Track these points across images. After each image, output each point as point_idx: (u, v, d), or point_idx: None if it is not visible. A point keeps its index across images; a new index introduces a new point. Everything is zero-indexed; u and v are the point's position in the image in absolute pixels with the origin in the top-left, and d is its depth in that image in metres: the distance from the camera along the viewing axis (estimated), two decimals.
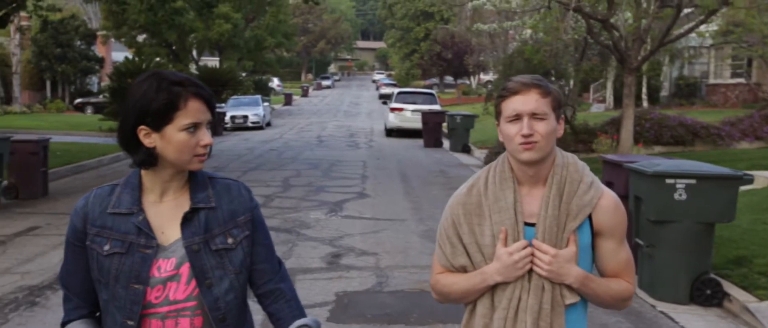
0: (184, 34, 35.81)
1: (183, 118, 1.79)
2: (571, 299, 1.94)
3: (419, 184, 13.12)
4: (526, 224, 1.96)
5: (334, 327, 5.16)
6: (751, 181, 6.02)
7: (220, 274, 1.84)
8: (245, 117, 29.06)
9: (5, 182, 10.77)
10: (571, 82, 18.64)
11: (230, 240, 1.87)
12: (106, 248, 1.82)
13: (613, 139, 14.16)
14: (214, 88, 34.21)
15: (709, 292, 5.85)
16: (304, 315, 1.97)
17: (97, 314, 1.92)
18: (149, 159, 1.82)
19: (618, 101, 27.57)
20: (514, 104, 1.94)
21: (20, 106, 32.29)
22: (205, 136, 1.84)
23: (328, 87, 74.28)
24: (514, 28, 24.19)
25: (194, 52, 41.52)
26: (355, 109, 44.61)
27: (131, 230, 1.82)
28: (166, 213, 1.87)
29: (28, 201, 10.87)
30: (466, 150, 19.73)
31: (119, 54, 46.33)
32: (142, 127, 1.80)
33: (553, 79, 15.88)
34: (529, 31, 18.26)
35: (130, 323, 1.81)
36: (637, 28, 13.26)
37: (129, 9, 18.54)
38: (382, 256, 7.34)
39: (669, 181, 5.78)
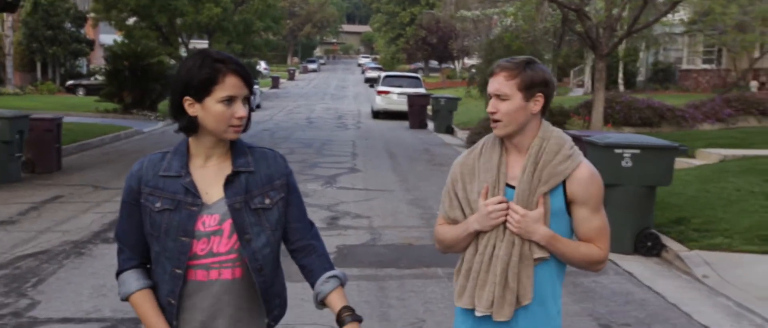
0: (174, 18, 36.43)
1: (220, 91, 1.99)
2: (539, 254, 2.20)
3: (406, 161, 14.18)
4: (508, 185, 2.24)
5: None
6: (685, 151, 7.13)
7: (257, 230, 2.07)
8: None
9: (24, 157, 11.67)
10: (549, 67, 19.72)
11: (267, 201, 2.09)
12: (158, 205, 2.06)
13: (585, 121, 15.27)
14: None
15: (649, 244, 6.96)
16: (333, 268, 2.17)
17: (148, 265, 2.15)
18: (191, 126, 2.04)
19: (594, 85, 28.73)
20: (489, 86, 2.27)
21: (13, 88, 32.86)
22: (239, 109, 2.02)
23: (314, 70, 74.93)
24: (496, 14, 25.19)
25: (184, 35, 42.12)
26: (341, 93, 45.50)
27: (179, 190, 2.05)
28: (209, 176, 2.08)
29: (44, 175, 11.78)
30: (450, 131, 20.79)
31: (107, 37, 46.77)
32: (186, 97, 2.02)
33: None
34: (510, 19, 19.29)
35: (179, 271, 2.04)
36: (607, 17, 14.34)
37: None
38: (374, 218, 8.40)
39: (617, 151, 6.87)
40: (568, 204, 2.23)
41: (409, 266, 6.38)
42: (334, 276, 2.12)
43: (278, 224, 2.11)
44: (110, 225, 7.89)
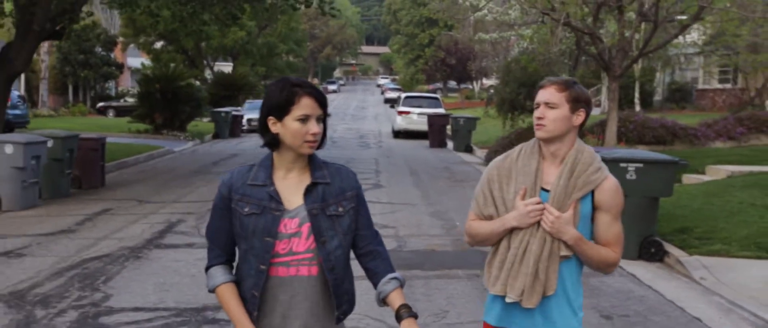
0: (200, 41, 37.66)
1: (297, 111, 2.30)
2: (565, 252, 2.48)
3: (427, 178, 14.89)
4: (543, 189, 2.53)
5: None
6: (686, 166, 7.79)
7: (331, 234, 2.35)
8: None
9: (72, 174, 12.54)
10: None
11: (341, 209, 2.38)
12: (246, 210, 2.34)
13: (599, 139, 15.89)
14: (230, 93, 36.21)
15: (653, 250, 7.60)
16: (394, 271, 2.44)
17: (233, 263, 2.44)
18: (274, 141, 2.35)
19: None
20: (538, 96, 2.57)
21: (47, 110, 34.11)
22: (313, 126, 2.32)
23: (334, 91, 76.02)
24: (514, 36, 25.94)
25: (209, 58, 43.34)
26: (361, 113, 46.39)
27: (265, 197, 2.34)
28: (290, 186, 2.38)
29: (91, 190, 12.64)
30: (469, 150, 21.48)
31: (134, 60, 48.28)
32: (270, 117, 2.34)
33: None
34: (526, 42, 20.03)
35: (263, 267, 2.33)
36: (620, 40, 15.00)
37: (162, 20, 20.15)
38: (399, 228, 9.11)
39: (622, 164, 7.54)
40: (594, 210, 2.51)
41: (432, 268, 7.07)
42: (395, 278, 2.40)
43: (349, 229, 2.39)
44: (160, 233, 8.68)
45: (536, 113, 2.53)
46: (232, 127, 27.24)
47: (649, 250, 7.59)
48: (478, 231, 2.60)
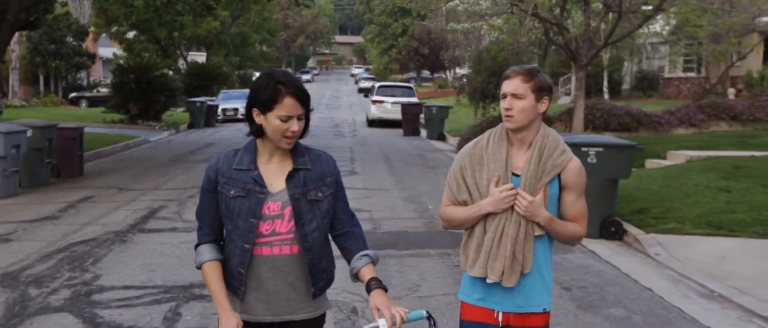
0: (173, 31, 37.57)
1: (279, 110, 2.42)
2: (538, 232, 2.64)
3: (400, 165, 15.29)
4: (513, 174, 2.65)
5: None
6: (642, 150, 8.28)
7: (311, 217, 2.50)
8: (236, 109, 30.96)
9: (51, 163, 12.72)
10: None
11: (320, 194, 2.53)
12: (232, 192, 2.49)
13: (567, 126, 16.41)
14: (204, 83, 36.22)
15: (613, 229, 8.08)
16: (367, 249, 2.60)
17: (220, 242, 2.60)
18: (258, 131, 2.49)
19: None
20: (504, 86, 2.66)
21: (19, 100, 33.86)
22: (294, 125, 2.44)
23: (308, 81, 76.04)
24: (485, 26, 26.41)
25: (182, 48, 43.21)
26: (335, 102, 46.62)
27: (249, 181, 2.49)
28: (273, 171, 2.52)
29: (70, 179, 12.83)
30: (442, 138, 21.93)
31: (106, 50, 47.93)
32: (254, 109, 2.46)
33: None
34: (496, 33, 20.50)
35: (247, 246, 2.48)
36: (586, 30, 15.49)
37: (135, 10, 20.25)
38: (374, 212, 9.50)
39: (584, 149, 8.00)
40: (560, 190, 2.66)
41: (405, 248, 7.48)
42: (366, 255, 2.56)
43: (327, 213, 2.55)
44: (142, 219, 8.97)
45: (504, 104, 2.63)
46: (207, 117, 27.39)
47: (609, 229, 8.07)
48: (454, 216, 2.72)
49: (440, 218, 2.81)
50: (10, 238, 7.93)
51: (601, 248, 7.67)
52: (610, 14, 16.21)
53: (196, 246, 2.57)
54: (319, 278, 2.55)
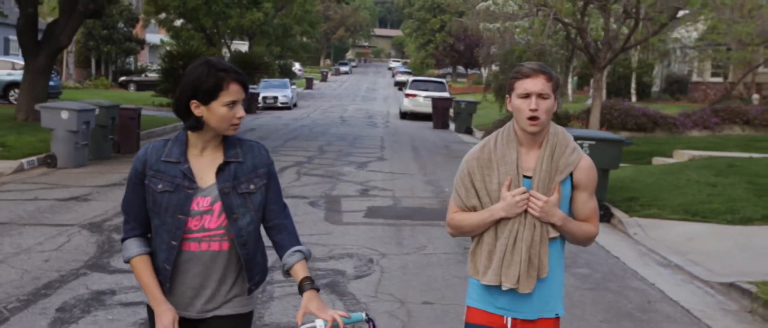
0: (218, 21, 39.26)
1: (225, 97, 2.34)
2: (554, 233, 2.53)
3: (426, 153, 16.58)
4: (524, 176, 2.53)
5: (368, 221, 8.64)
6: (631, 144, 9.43)
7: (243, 211, 2.42)
8: (275, 98, 32.55)
9: (113, 139, 14.30)
10: (559, 78, 21.96)
11: (252, 186, 2.45)
12: (160, 186, 2.39)
13: (583, 124, 17.50)
14: (247, 72, 37.84)
15: (601, 213, 9.27)
16: (300, 244, 2.52)
17: (148, 235, 2.49)
18: (198, 125, 2.37)
19: (610, 94, 30.92)
20: (526, 85, 2.49)
21: (74, 82, 35.93)
22: (240, 110, 2.38)
23: (346, 73, 77.65)
24: (515, 27, 27.50)
25: (226, 37, 44.95)
26: (372, 95, 48.03)
27: (178, 175, 2.39)
28: (204, 164, 2.42)
29: (128, 154, 14.37)
30: (469, 131, 23.13)
31: (153, 36, 50.05)
32: (193, 101, 2.35)
33: None
34: (522, 35, 21.65)
35: (174, 243, 2.39)
36: (605, 34, 16.57)
37: (188, 0, 21.82)
38: (396, 191, 10.83)
39: (579, 141, 9.13)
40: (572, 189, 2.58)
41: (419, 219, 8.79)
42: (299, 251, 2.48)
43: (260, 205, 2.47)
44: None
45: (528, 105, 2.49)
46: (249, 104, 28.93)
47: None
48: (464, 223, 2.61)
49: (448, 225, 2.71)
50: (88, 198, 9.43)
51: None
52: (629, 20, 17.21)
53: (123, 240, 2.49)
54: (255, 272, 2.51)
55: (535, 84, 2.49)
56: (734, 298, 5.99)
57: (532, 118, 2.48)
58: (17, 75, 23.96)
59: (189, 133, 2.42)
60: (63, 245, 6.88)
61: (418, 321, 5.14)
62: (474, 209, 2.60)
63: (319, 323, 2.29)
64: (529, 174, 2.55)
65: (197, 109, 2.36)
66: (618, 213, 9.32)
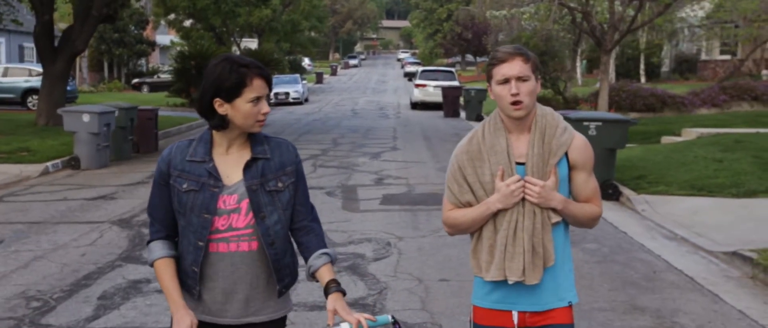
0: (227, 19, 39.67)
1: (249, 93, 2.29)
2: (555, 218, 2.43)
3: (438, 142, 16.89)
4: (517, 163, 2.44)
5: (384, 208, 8.97)
6: (636, 123, 9.69)
7: (271, 209, 2.36)
8: (287, 93, 32.93)
9: (133, 139, 14.71)
10: (567, 62, 22.18)
11: (280, 184, 2.39)
12: (185, 186, 2.35)
13: (592, 107, 17.73)
14: None
15: (610, 191, 9.54)
16: (326, 247, 2.46)
17: (174, 238, 2.44)
18: (223, 123, 2.33)
19: (619, 76, 31.04)
20: (503, 70, 2.40)
21: (88, 86, 36.48)
22: (264, 106, 2.34)
23: (355, 66, 77.95)
24: (522, 13, 27.68)
25: (235, 36, 45.36)
26: (382, 87, 48.32)
27: (203, 174, 2.34)
28: (230, 162, 2.38)
29: (148, 154, 14.79)
30: (479, 119, 23.34)
31: (163, 37, 50.54)
32: (217, 99, 2.30)
33: (545, 58, 19.38)
34: (528, 21, 21.87)
35: (201, 243, 2.33)
36: (610, 17, 16.77)
37: (197, 1, 22.20)
38: (410, 179, 11.15)
39: (585, 123, 9.46)
40: (569, 170, 2.48)
41: (433, 204, 9.10)
42: (326, 253, 2.43)
43: (289, 204, 2.41)
44: None
45: (506, 90, 2.41)
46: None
47: (607, 191, 9.53)
48: (461, 219, 2.52)
49: (445, 224, 2.60)
50: (114, 196, 9.83)
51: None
52: (634, 2, 17.40)
53: (148, 243, 2.46)
54: (284, 274, 2.44)
55: (512, 68, 2.40)
56: (737, 265, 6.27)
57: (514, 103, 2.39)
58: (34, 81, 24.48)
59: (214, 132, 2.38)
60: (96, 240, 7.26)
61: (436, 296, 5.46)
62: (469, 205, 2.50)
63: (344, 326, 2.25)
64: (521, 161, 2.45)
65: (221, 108, 2.31)
66: (626, 191, 9.59)
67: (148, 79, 40.86)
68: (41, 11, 16.94)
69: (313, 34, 59.92)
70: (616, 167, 9.91)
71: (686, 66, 34.20)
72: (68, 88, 25.96)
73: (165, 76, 37.19)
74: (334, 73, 65.22)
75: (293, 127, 21.19)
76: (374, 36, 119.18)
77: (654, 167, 10.90)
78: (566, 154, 2.47)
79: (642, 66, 31.90)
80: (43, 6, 16.94)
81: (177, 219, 2.38)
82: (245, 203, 2.33)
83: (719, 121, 16.19)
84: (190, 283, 2.37)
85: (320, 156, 14.08)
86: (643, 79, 30.83)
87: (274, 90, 32.65)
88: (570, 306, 2.51)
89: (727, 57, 30.66)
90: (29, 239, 7.34)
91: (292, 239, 2.47)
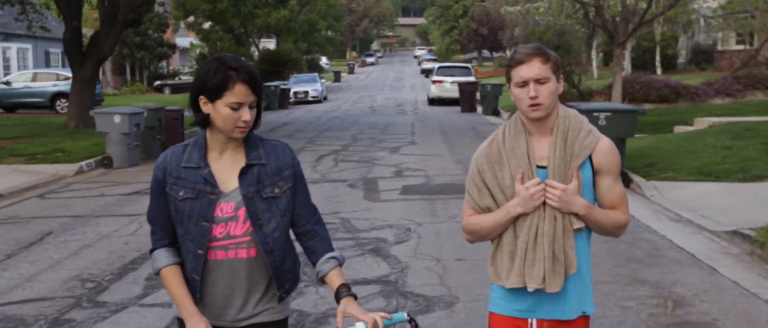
0: (246, 21, 40.33)
1: (229, 97, 2.23)
2: (578, 224, 2.34)
3: (455, 136, 17.32)
4: (538, 166, 2.37)
5: (403, 197, 9.44)
6: (644, 113, 10.09)
7: (268, 216, 2.33)
8: (306, 92, 33.53)
9: (161, 139, 15.30)
10: (583, 55, 22.48)
11: (277, 190, 2.35)
12: (181, 194, 2.32)
13: (606, 99, 18.05)
14: (276, 68, 38.92)
15: (620, 179, 9.93)
16: (333, 250, 2.43)
17: (177, 244, 2.41)
18: (205, 121, 2.30)
19: (635, 68, 31.22)
20: (521, 72, 2.34)
21: (112, 89, 37.32)
22: (245, 113, 2.25)
23: (372, 64, 78.47)
24: (535, 8, 28.02)
25: (254, 37, 46.06)
26: (399, 84, 48.77)
27: (199, 181, 2.31)
28: (225, 167, 2.34)
29: None
30: (496, 113, 23.77)
31: (182, 40, 51.35)
32: (201, 96, 2.28)
33: (560, 52, 19.75)
34: (540, 16, 22.22)
35: (200, 252, 2.32)
36: (623, 9, 17.05)
37: (216, 1, 22.79)
38: (428, 170, 11.62)
39: (595, 114, 9.86)
40: (594, 175, 2.38)
41: (451, 193, 9.56)
42: (334, 257, 2.39)
43: (287, 210, 2.37)
44: None
45: (525, 93, 2.34)
46: (281, 100, 29.94)
47: None
48: (481, 226, 2.44)
49: (464, 231, 2.53)
50: (148, 192, 10.34)
51: None
52: None
53: (151, 251, 2.42)
54: (284, 280, 2.42)
55: (531, 69, 2.33)
56: (737, 243, 6.67)
57: (533, 105, 2.32)
58: (62, 85, 25.22)
59: (207, 134, 2.34)
60: (137, 231, 7.81)
61: (453, 274, 5.93)
62: (489, 210, 2.42)
63: (359, 325, 2.22)
64: (543, 164, 2.38)
65: (205, 106, 2.28)
66: (636, 178, 9.98)
67: (169, 81, 41.64)
68: (70, 18, 17.58)
69: (330, 33, 60.50)
70: (626, 155, 10.29)
71: (703, 57, 34.29)
72: (96, 91, 26.88)
73: (186, 78, 37.94)
74: (351, 71, 65.78)
75: (313, 125, 21.72)
76: (390, 34, 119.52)
77: (664, 155, 11.27)
78: (590, 158, 2.38)
79: (658, 58, 32.05)
80: (72, 13, 17.58)
81: (175, 227, 2.36)
82: (243, 211, 2.31)
83: (732, 110, 16.46)
84: (191, 290, 2.36)
85: (341, 151, 14.57)
86: (659, 71, 30.98)
87: (294, 89, 33.27)
88: (587, 317, 2.45)
89: (744, 47, 30.74)
90: (75, 230, 7.90)
91: (299, 244, 2.46)
